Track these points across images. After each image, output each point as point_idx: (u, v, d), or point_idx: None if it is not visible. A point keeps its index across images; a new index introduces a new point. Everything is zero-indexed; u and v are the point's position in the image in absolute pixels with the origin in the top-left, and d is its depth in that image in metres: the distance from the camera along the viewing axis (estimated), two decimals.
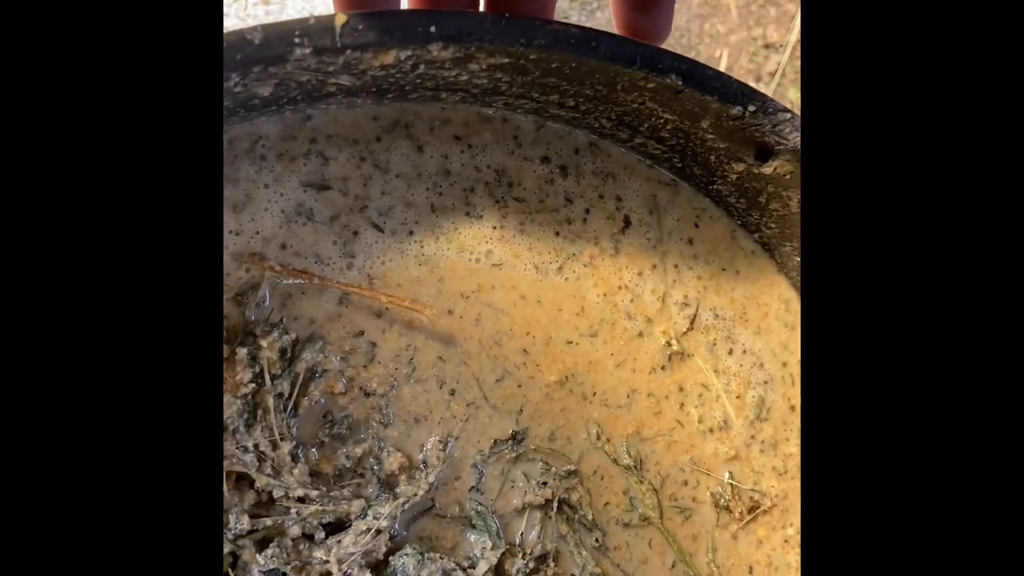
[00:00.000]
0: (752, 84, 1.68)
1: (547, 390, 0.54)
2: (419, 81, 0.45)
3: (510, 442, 0.52)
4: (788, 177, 0.50)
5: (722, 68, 1.64)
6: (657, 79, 0.43)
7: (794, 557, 0.59)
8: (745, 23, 1.86)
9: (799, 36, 1.82)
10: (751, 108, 0.45)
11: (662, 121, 0.49)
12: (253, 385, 0.46)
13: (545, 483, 0.52)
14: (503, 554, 0.51)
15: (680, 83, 0.43)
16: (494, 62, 0.42)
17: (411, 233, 0.51)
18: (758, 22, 1.86)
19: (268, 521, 0.46)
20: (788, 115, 0.45)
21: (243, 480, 0.46)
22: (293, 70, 0.38)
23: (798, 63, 1.83)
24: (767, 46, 1.87)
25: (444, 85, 0.46)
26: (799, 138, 0.46)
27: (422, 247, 0.51)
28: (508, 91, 0.48)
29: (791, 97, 1.80)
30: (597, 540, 0.54)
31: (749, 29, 1.86)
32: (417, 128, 0.51)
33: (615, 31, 0.46)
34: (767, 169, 0.49)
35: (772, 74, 1.82)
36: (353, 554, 0.46)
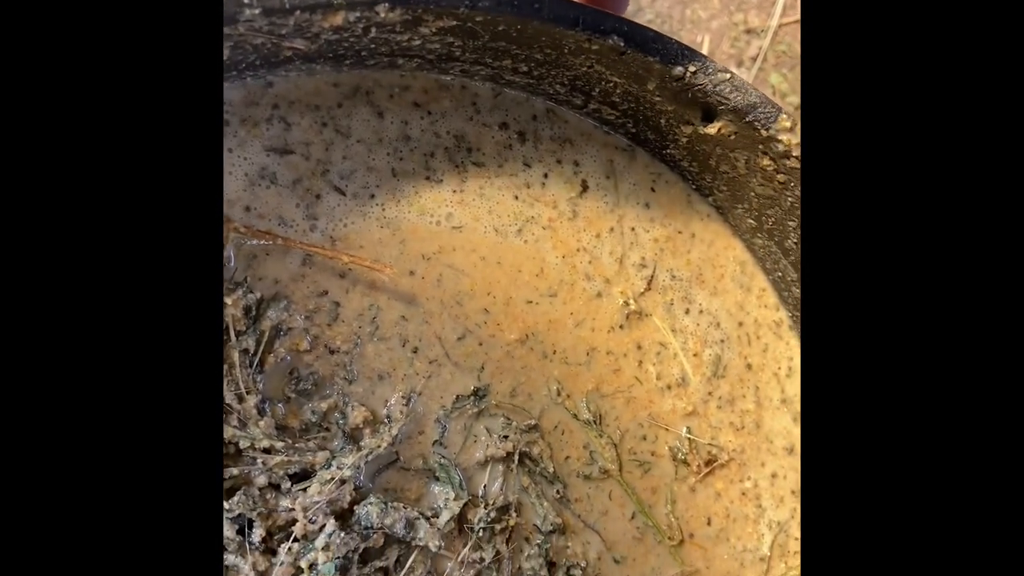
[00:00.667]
0: (734, 69, 1.70)
1: (508, 348, 0.56)
2: (374, 47, 0.47)
3: (472, 398, 0.54)
4: (732, 138, 0.52)
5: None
6: (600, 41, 0.45)
7: (752, 509, 0.61)
8: (726, 8, 1.88)
9: (779, 21, 1.84)
10: (691, 68, 0.47)
11: (611, 85, 0.51)
12: None
13: (506, 437, 0.54)
14: (466, 505, 0.53)
15: (622, 44, 0.45)
16: (443, 25, 0.44)
17: (372, 196, 0.53)
18: (739, 7, 1.88)
19: (235, 471, 0.47)
20: (728, 75, 0.47)
21: None
22: (246, 32, 0.40)
23: (779, 48, 1.85)
24: (748, 31, 1.88)
25: (399, 51, 0.48)
26: (740, 98, 0.48)
27: (384, 210, 0.53)
28: (462, 56, 0.49)
29: (772, 81, 1.82)
30: (558, 492, 0.56)
31: (730, 15, 1.88)
32: (377, 95, 0.53)
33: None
34: (711, 130, 0.51)
35: (753, 59, 1.83)
36: (318, 503, 0.48)
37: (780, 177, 0.52)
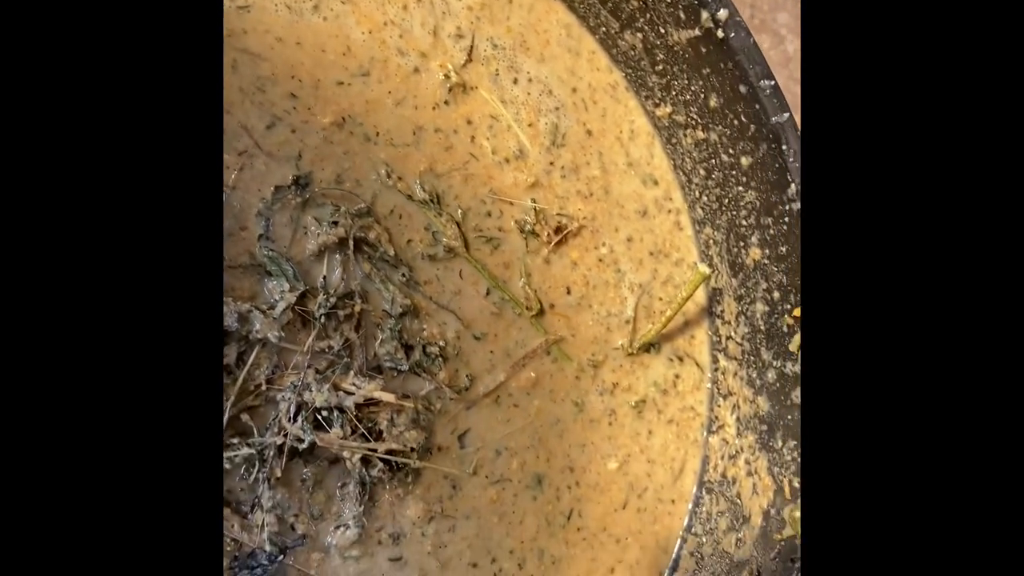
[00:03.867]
0: None
1: (325, 133, 0.53)
2: None
3: (293, 188, 0.52)
4: None
5: None
6: None
7: (611, 275, 0.61)
8: None
9: None
10: None
11: None
12: None
13: (336, 223, 0.52)
14: (306, 296, 0.52)
15: None
16: None
17: None
18: None
19: None
20: None
21: None
22: None
23: None
24: None
25: None
26: None
27: None
28: None
29: None
30: (404, 276, 0.55)
31: None
32: None
33: None
34: None
35: None
36: None
37: None
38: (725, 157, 0.57)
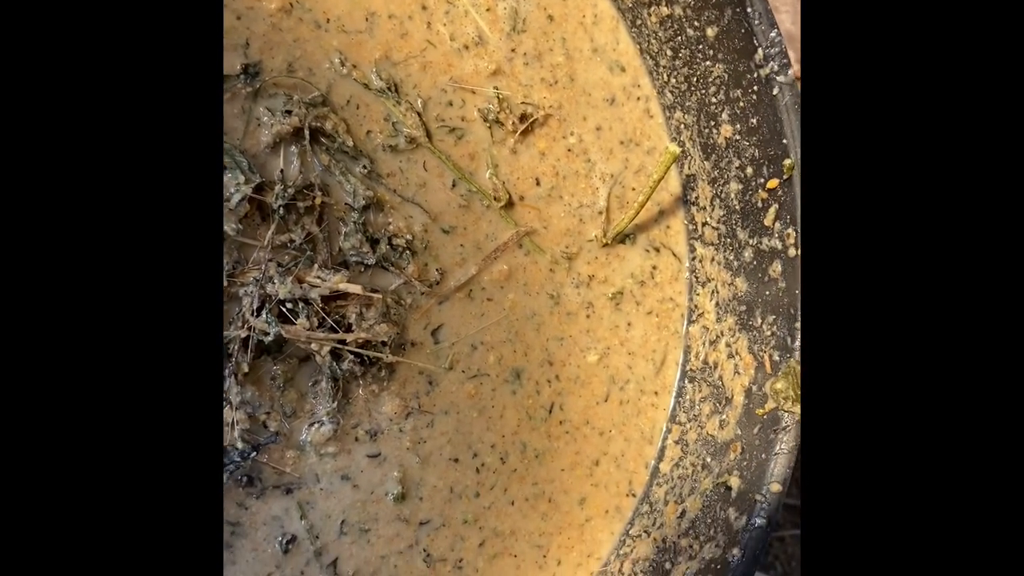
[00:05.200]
0: None
1: (272, 20, 0.51)
2: None
3: (242, 77, 0.50)
4: None
5: None
6: None
7: (581, 165, 0.60)
8: None
9: None
10: None
11: None
12: None
13: (289, 112, 0.50)
14: (263, 190, 0.50)
15: None
16: None
17: None
18: None
19: None
20: None
21: None
22: None
23: None
24: None
25: None
26: None
27: None
28: None
29: None
30: (365, 167, 0.53)
31: None
32: None
33: None
34: None
35: None
36: None
37: None
38: (691, 31, 0.55)
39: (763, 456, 0.51)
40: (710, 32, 0.54)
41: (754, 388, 0.54)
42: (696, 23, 0.55)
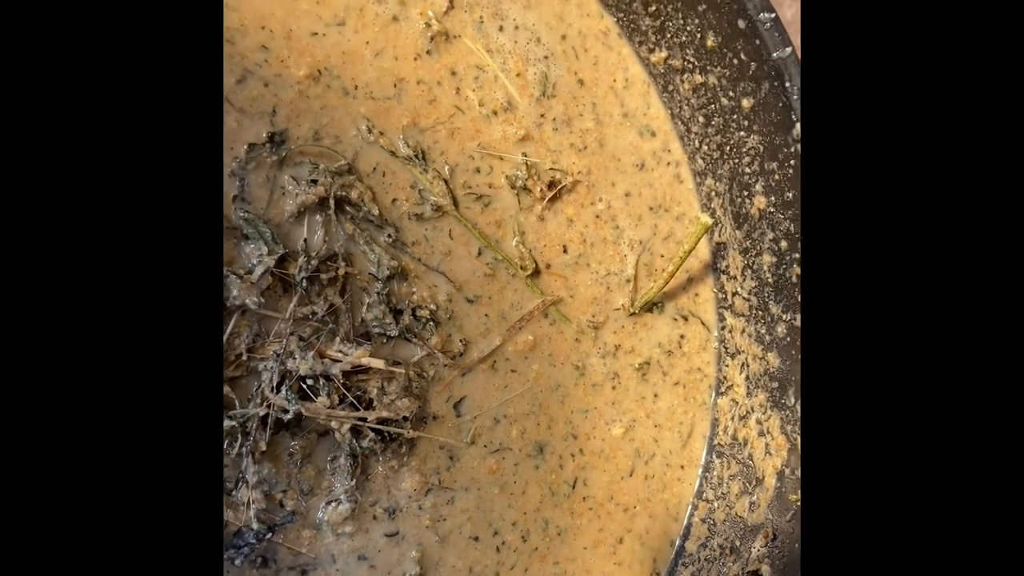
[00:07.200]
0: None
1: (300, 87, 0.50)
2: None
3: (268, 145, 0.49)
4: None
5: None
6: None
7: (609, 231, 0.58)
8: None
9: None
10: None
11: None
12: None
13: (315, 181, 0.49)
14: (287, 260, 0.49)
15: None
16: None
17: None
18: None
19: None
20: None
21: None
22: None
23: None
24: None
25: None
26: None
27: None
28: None
29: None
30: (390, 236, 0.52)
31: None
32: None
33: None
34: None
35: None
36: None
37: None
38: (725, 101, 0.54)
39: (797, 547, 0.49)
40: (745, 103, 0.53)
41: (787, 471, 0.52)
42: (731, 93, 0.53)
